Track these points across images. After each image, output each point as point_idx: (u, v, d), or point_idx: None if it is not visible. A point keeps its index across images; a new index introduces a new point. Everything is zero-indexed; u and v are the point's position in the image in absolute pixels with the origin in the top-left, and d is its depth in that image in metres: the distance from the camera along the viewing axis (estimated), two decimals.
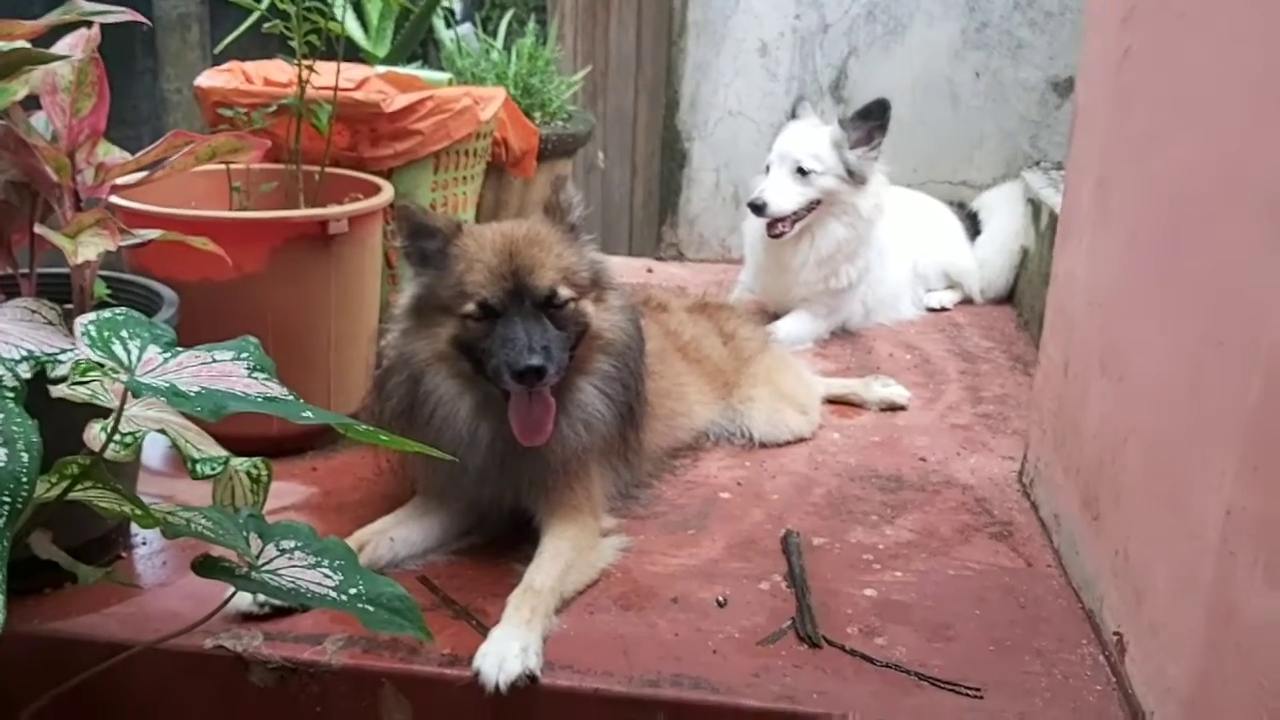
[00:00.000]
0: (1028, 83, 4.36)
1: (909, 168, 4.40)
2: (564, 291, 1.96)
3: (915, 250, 3.83)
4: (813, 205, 3.36)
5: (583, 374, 2.03)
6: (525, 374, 1.84)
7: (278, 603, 1.79)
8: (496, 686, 1.63)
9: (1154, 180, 1.81)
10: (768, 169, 3.40)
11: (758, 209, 3.33)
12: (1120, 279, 1.93)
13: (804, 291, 3.48)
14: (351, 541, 1.85)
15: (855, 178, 3.35)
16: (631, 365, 2.08)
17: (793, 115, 3.55)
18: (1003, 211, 4.06)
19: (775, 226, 3.37)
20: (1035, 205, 3.81)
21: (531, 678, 1.66)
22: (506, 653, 1.67)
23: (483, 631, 1.76)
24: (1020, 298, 3.90)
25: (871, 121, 3.38)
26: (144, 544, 2.05)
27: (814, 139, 3.37)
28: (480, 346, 1.93)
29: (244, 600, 1.77)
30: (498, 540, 2.07)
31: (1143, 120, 1.87)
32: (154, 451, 2.39)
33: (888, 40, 4.42)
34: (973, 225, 4.09)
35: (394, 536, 2.00)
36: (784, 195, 3.33)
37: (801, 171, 3.32)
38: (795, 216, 3.36)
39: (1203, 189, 1.59)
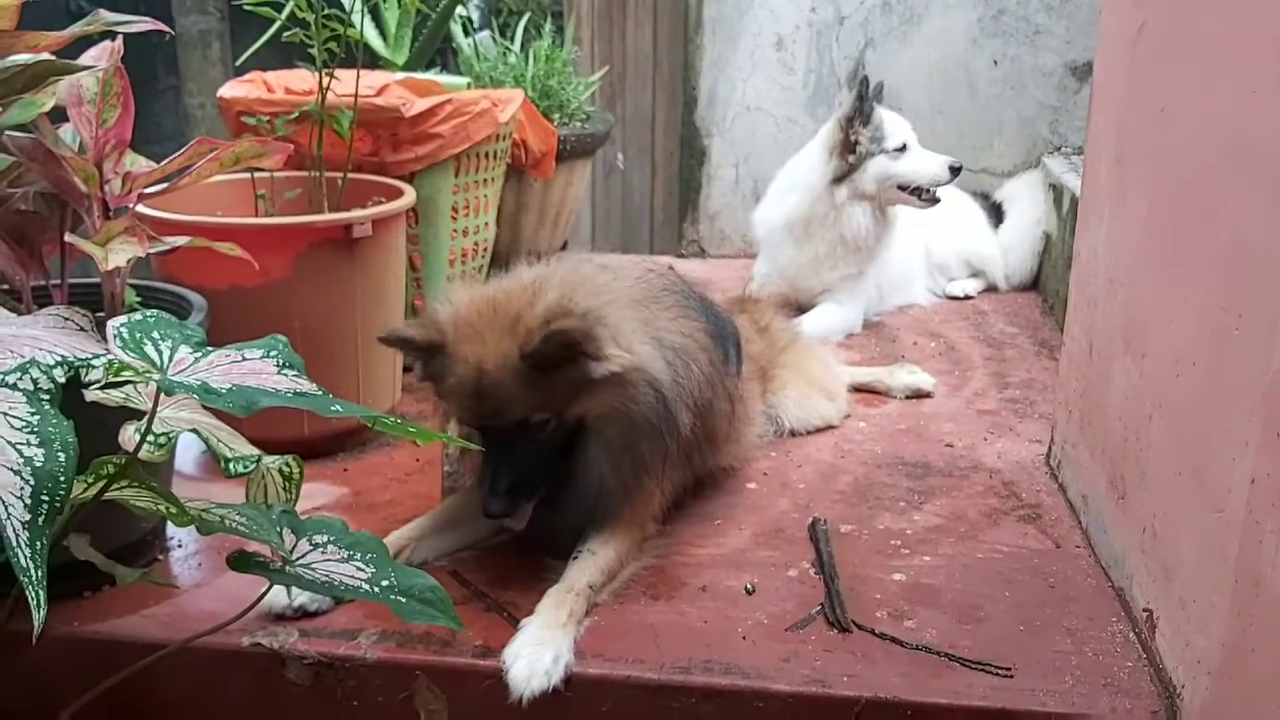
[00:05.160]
0: (1046, 68, 4.34)
1: None
2: (537, 418, 1.85)
3: (930, 237, 3.85)
4: None
5: (596, 437, 1.93)
6: (492, 517, 1.87)
7: (312, 609, 1.83)
8: (521, 699, 1.63)
9: (1170, 155, 1.81)
10: (903, 147, 3.43)
11: (959, 169, 3.46)
12: (1140, 256, 1.93)
13: (832, 275, 3.52)
14: (387, 543, 1.86)
15: None
16: (654, 423, 1.94)
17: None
18: (1025, 198, 4.06)
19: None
20: (1057, 190, 3.80)
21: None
22: (537, 665, 1.66)
23: (514, 623, 1.78)
24: (1044, 283, 3.89)
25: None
26: (179, 546, 2.09)
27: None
28: None
29: (278, 602, 1.80)
30: (526, 535, 2.08)
31: (1159, 95, 1.87)
32: (186, 456, 2.43)
33: (904, 30, 4.41)
34: (997, 215, 4.10)
35: (429, 542, 2.01)
36: None
37: (957, 170, 3.48)
38: None
39: (1218, 162, 1.59)
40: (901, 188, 3.44)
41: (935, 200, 3.48)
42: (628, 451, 1.95)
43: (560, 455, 1.92)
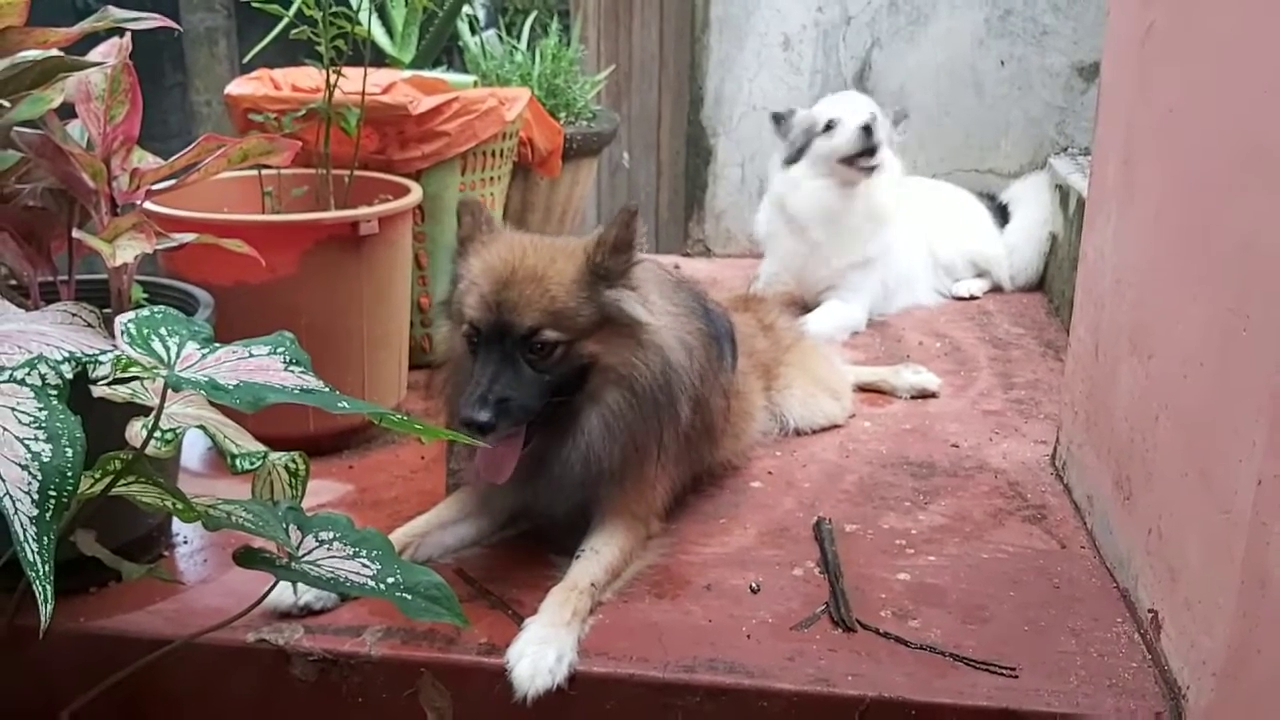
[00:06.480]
0: (1053, 69, 4.34)
1: (935, 157, 4.41)
2: (548, 334, 1.85)
3: (935, 238, 3.85)
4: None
5: (593, 403, 1.93)
6: (468, 426, 1.79)
7: (317, 606, 1.83)
8: (525, 697, 1.63)
9: (1179, 156, 1.81)
10: (829, 125, 3.43)
11: (874, 151, 3.40)
12: (1147, 257, 1.93)
13: (839, 264, 3.53)
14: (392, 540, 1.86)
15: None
16: (656, 399, 1.95)
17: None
18: (1031, 199, 4.06)
19: (874, 156, 3.42)
20: (1063, 191, 3.80)
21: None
22: (540, 664, 1.66)
23: (518, 621, 1.78)
24: (1050, 284, 3.88)
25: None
26: (185, 542, 2.09)
27: (870, 103, 3.53)
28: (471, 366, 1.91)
29: (284, 599, 1.81)
30: (531, 532, 2.10)
31: (1167, 96, 1.87)
32: (193, 454, 2.43)
33: (911, 30, 4.41)
34: (1003, 216, 4.09)
35: (433, 538, 2.01)
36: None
37: (867, 130, 3.39)
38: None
39: (1228, 163, 1.58)
40: (841, 161, 3.45)
41: (870, 169, 3.43)
42: (621, 420, 1.93)
43: (555, 396, 1.88)
